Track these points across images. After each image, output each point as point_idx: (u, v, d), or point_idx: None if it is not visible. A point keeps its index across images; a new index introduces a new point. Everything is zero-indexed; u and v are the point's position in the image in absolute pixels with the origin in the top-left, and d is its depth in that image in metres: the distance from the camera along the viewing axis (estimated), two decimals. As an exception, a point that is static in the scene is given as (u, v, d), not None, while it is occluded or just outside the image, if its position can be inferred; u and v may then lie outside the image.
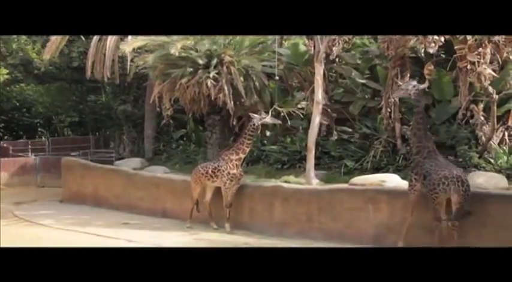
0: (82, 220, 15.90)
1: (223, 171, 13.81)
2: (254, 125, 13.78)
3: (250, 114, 14.33)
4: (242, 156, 13.90)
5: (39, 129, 35.96)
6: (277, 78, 17.12)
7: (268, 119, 14.04)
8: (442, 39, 12.42)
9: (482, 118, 13.43)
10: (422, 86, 11.78)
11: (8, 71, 27.77)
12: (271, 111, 14.77)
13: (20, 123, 34.25)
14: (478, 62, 12.65)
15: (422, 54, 14.60)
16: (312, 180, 13.86)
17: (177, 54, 16.36)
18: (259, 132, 17.86)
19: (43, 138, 33.18)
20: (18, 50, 26.80)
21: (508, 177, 12.11)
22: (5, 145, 29.86)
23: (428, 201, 10.71)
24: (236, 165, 13.80)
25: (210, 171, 14.08)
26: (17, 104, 33.58)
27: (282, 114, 16.18)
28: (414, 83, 11.82)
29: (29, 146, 29.40)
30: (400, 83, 13.72)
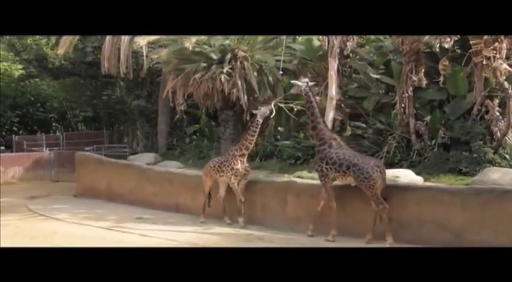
0: (96, 214, 15.98)
1: (228, 166, 13.86)
2: (258, 121, 13.73)
3: (253, 111, 14.25)
4: (245, 152, 13.86)
5: (53, 124, 36.18)
6: (281, 73, 17.07)
7: (263, 109, 13.90)
8: (457, 34, 12.35)
9: (497, 114, 13.30)
10: (312, 83, 12.96)
11: (22, 66, 27.95)
12: (273, 105, 14.66)
13: (35, 118, 34.49)
14: (494, 57, 12.55)
15: (437, 49, 14.49)
16: (325, 176, 13.82)
17: (190, 48, 16.38)
18: (273, 128, 17.95)
19: (57, 133, 33.38)
20: (33, 45, 26.94)
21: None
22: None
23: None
24: (241, 160, 13.81)
25: (217, 166, 14.19)
26: (32, 98, 33.81)
27: (296, 109, 16.15)
28: (306, 80, 12.87)
29: (44, 141, 29.58)
30: (414, 78, 13.67)
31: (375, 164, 11.57)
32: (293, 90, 13.69)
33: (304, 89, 12.58)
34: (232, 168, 13.76)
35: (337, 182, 12.05)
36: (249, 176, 14.15)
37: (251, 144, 13.88)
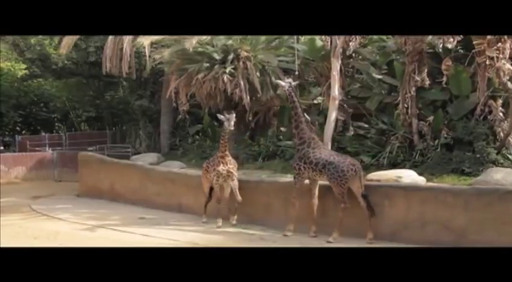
0: (99, 214, 15.98)
1: (211, 166, 14.14)
2: (225, 128, 13.77)
3: (218, 116, 14.21)
4: (222, 154, 13.98)
5: (56, 124, 36.20)
6: (296, 73, 17.05)
7: (226, 123, 13.78)
8: (460, 34, 12.34)
9: (500, 114, 13.28)
10: (295, 83, 13.29)
11: (26, 66, 27.97)
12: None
13: (38, 118, 34.51)
14: (497, 57, 12.53)
15: (440, 50, 14.47)
16: (327, 176, 13.83)
17: (191, 49, 16.39)
18: (275, 128, 17.95)
19: (60, 133, 33.41)
20: (36, 44, 26.95)
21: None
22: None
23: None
24: (222, 162, 13.93)
25: (206, 167, 14.49)
26: (35, 98, 33.81)
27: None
28: (290, 80, 13.16)
29: (47, 141, 29.60)
30: (417, 78, 13.66)
31: (350, 162, 11.88)
32: (279, 90, 13.93)
33: (288, 89, 12.88)
34: (215, 169, 13.99)
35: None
36: (236, 177, 14.10)
37: (224, 148, 13.94)
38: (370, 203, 11.62)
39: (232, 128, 13.91)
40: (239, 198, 13.80)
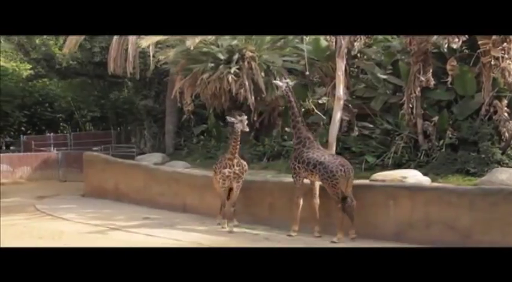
0: (103, 214, 15.99)
1: (218, 168, 13.94)
2: (236, 131, 13.30)
3: (229, 118, 13.96)
4: (231, 156, 13.62)
5: (61, 124, 36.24)
6: (307, 73, 17.03)
7: (239, 124, 13.26)
8: (465, 34, 12.32)
9: (505, 114, 13.25)
10: (292, 83, 13.52)
11: (31, 66, 28.05)
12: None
13: (43, 118, 34.54)
14: (502, 57, 12.53)
15: (445, 50, 14.44)
16: (332, 176, 13.81)
17: (192, 48, 16.38)
18: (280, 129, 17.92)
19: (65, 133, 33.48)
20: (41, 45, 27.02)
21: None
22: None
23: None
24: (229, 165, 13.65)
25: (215, 168, 14.25)
26: (40, 98, 33.86)
27: (303, 109, 16.14)
28: (287, 80, 13.50)
29: (51, 141, 29.65)
30: (422, 78, 13.64)
31: (339, 163, 11.91)
32: (278, 91, 14.20)
33: (285, 89, 13.00)
34: (221, 172, 13.80)
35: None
36: (241, 180, 13.88)
37: (234, 150, 13.55)
38: (347, 205, 11.70)
39: (247, 129, 13.65)
40: (233, 201, 13.72)
